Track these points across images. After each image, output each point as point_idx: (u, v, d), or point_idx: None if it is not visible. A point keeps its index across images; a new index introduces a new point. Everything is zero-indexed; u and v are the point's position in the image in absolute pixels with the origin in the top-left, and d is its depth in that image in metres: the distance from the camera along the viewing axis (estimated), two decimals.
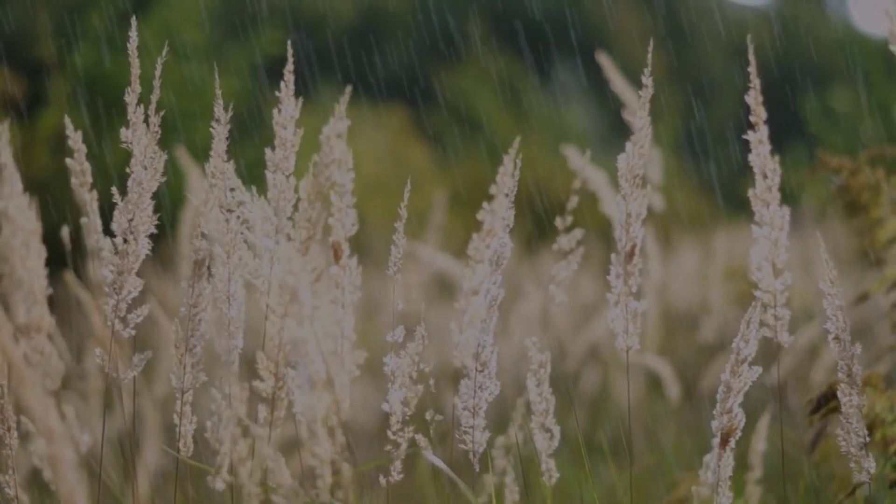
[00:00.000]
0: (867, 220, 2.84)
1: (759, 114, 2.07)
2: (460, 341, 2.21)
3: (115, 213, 2.04)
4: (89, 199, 2.22)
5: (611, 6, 19.72)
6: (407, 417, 2.03)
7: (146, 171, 2.05)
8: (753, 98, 2.07)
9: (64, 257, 2.76)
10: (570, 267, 2.41)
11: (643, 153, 2.05)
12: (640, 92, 2.06)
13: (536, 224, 8.40)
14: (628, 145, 2.06)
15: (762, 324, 2.07)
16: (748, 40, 2.12)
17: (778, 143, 2.21)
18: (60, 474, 1.44)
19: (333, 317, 2.05)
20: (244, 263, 2.05)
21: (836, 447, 2.28)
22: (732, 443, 2.06)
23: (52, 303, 2.51)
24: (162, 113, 2.06)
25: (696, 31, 20.83)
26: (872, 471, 2.05)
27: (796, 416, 3.70)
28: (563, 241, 2.43)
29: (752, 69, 2.06)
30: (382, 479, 2.03)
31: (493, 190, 2.24)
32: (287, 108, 2.08)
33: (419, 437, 2.04)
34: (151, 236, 2.06)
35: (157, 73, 2.05)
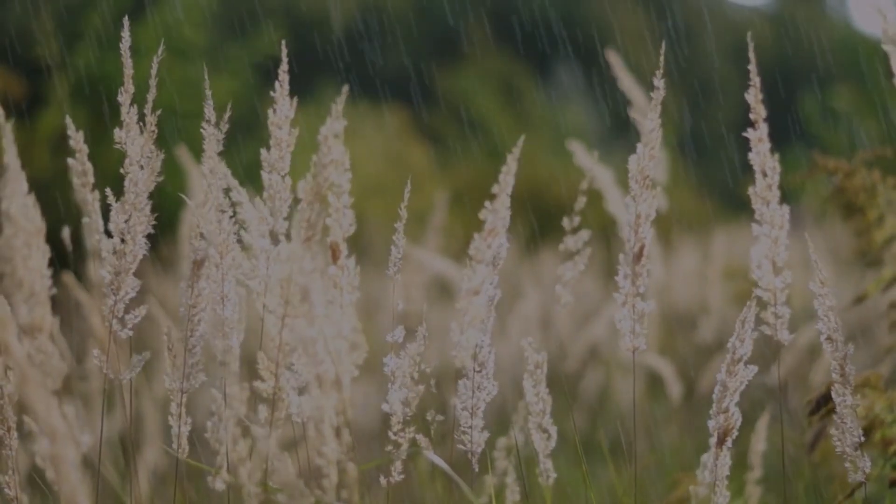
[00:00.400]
0: (864, 221, 2.85)
1: (758, 112, 2.07)
2: (460, 341, 2.21)
3: (112, 213, 2.04)
4: (91, 199, 2.22)
5: (611, 6, 19.72)
6: (408, 418, 2.04)
7: (143, 171, 2.05)
8: (753, 96, 2.07)
9: (64, 258, 2.76)
10: (577, 268, 2.42)
11: (654, 155, 2.06)
12: (651, 94, 2.06)
13: (535, 224, 8.40)
14: (639, 146, 2.06)
15: (762, 322, 2.07)
16: (748, 38, 2.12)
17: (777, 142, 2.21)
18: (63, 474, 1.44)
19: (332, 317, 2.05)
20: (238, 264, 2.05)
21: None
22: (729, 442, 2.06)
23: (53, 303, 2.51)
24: (158, 112, 2.06)
25: (696, 31, 20.83)
26: (868, 470, 2.05)
27: (796, 416, 3.70)
28: (570, 242, 2.43)
29: (752, 67, 2.06)
30: (383, 480, 2.04)
31: (494, 189, 2.24)
32: (282, 108, 2.08)
33: (420, 438, 2.05)
34: (151, 236, 2.06)
35: (154, 72, 2.05)
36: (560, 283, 2.42)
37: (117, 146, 2.06)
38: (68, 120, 2.18)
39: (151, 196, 2.06)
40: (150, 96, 2.05)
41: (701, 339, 4.65)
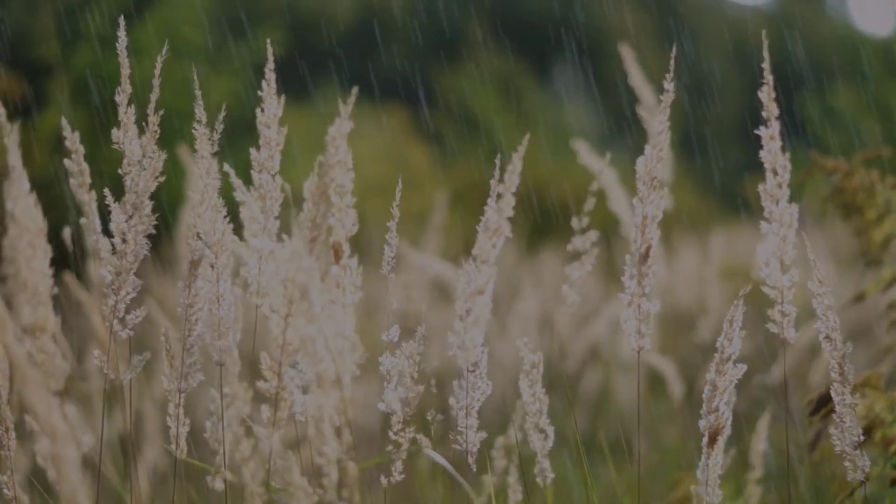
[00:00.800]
0: (862, 221, 2.85)
1: (771, 110, 2.08)
2: (464, 341, 2.21)
3: (113, 213, 2.04)
4: (88, 200, 2.22)
5: (611, 5, 19.72)
6: (408, 417, 2.04)
7: (144, 171, 2.05)
8: (766, 94, 2.08)
9: (64, 258, 2.76)
10: (584, 268, 2.42)
11: (661, 157, 2.06)
12: (660, 97, 2.06)
13: (536, 224, 8.40)
14: (647, 148, 2.07)
15: (769, 320, 2.08)
16: (763, 36, 2.12)
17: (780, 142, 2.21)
18: (63, 474, 1.44)
19: (333, 316, 2.05)
20: (231, 263, 2.06)
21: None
22: (721, 442, 2.07)
23: (55, 303, 2.51)
24: (161, 112, 2.07)
25: (695, 31, 20.83)
26: (867, 470, 2.05)
27: (796, 415, 3.70)
28: (578, 242, 2.43)
29: (765, 65, 2.07)
30: (383, 479, 2.04)
31: (500, 189, 2.24)
32: (270, 108, 2.09)
33: (420, 438, 2.05)
34: (151, 236, 2.07)
35: (157, 72, 2.05)
36: (567, 283, 2.42)
37: (115, 146, 2.06)
38: (64, 121, 2.18)
39: (152, 196, 2.06)
40: (154, 97, 2.06)
41: (700, 339, 4.65)
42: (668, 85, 2.06)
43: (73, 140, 2.18)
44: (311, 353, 1.85)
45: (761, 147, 2.08)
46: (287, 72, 2.11)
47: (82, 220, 2.25)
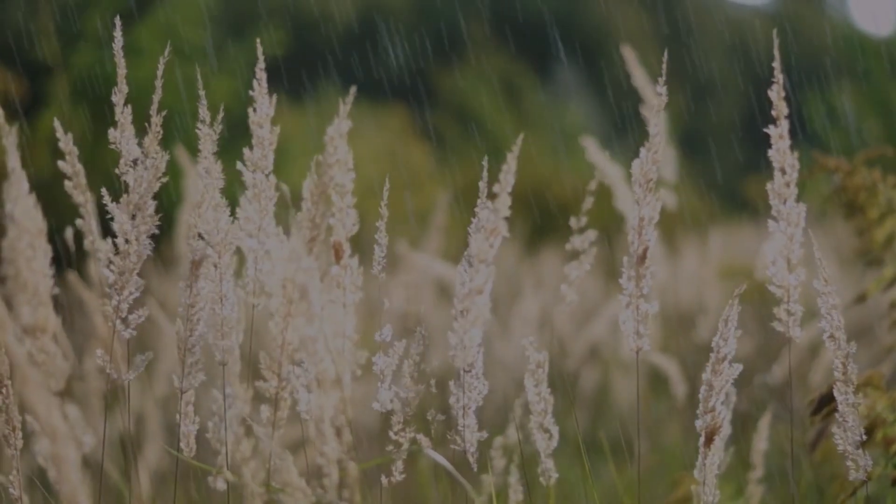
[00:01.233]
0: (864, 220, 2.85)
1: (780, 108, 2.08)
2: (463, 341, 2.21)
3: (116, 213, 2.04)
4: (84, 201, 2.22)
5: (611, 5, 19.72)
6: (408, 417, 2.04)
7: (147, 171, 2.05)
8: (776, 93, 2.08)
9: (65, 258, 2.76)
10: (583, 267, 2.42)
11: (657, 159, 2.06)
12: (653, 100, 2.07)
13: (536, 224, 8.40)
14: (642, 151, 2.07)
15: (774, 318, 2.08)
16: (773, 35, 2.12)
17: None
18: (64, 474, 1.44)
19: (332, 316, 2.05)
20: (234, 263, 2.06)
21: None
22: (718, 441, 2.07)
23: (56, 303, 2.51)
24: (164, 113, 2.07)
25: (696, 31, 20.83)
26: (869, 469, 2.05)
27: (797, 415, 3.70)
28: (577, 242, 2.44)
29: (776, 64, 2.07)
30: (384, 479, 2.04)
31: (496, 188, 2.24)
32: (262, 107, 2.09)
33: (420, 437, 2.05)
34: (153, 236, 2.07)
35: (159, 73, 2.05)
36: (566, 283, 2.42)
37: (112, 146, 2.06)
38: (57, 123, 2.18)
39: (155, 196, 2.06)
40: (156, 97, 2.06)
41: (700, 339, 4.65)
42: (661, 88, 2.07)
43: (66, 141, 2.18)
44: (312, 354, 1.85)
45: (768, 146, 2.08)
46: (288, 72, 2.11)
47: (78, 222, 2.25)
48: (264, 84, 2.09)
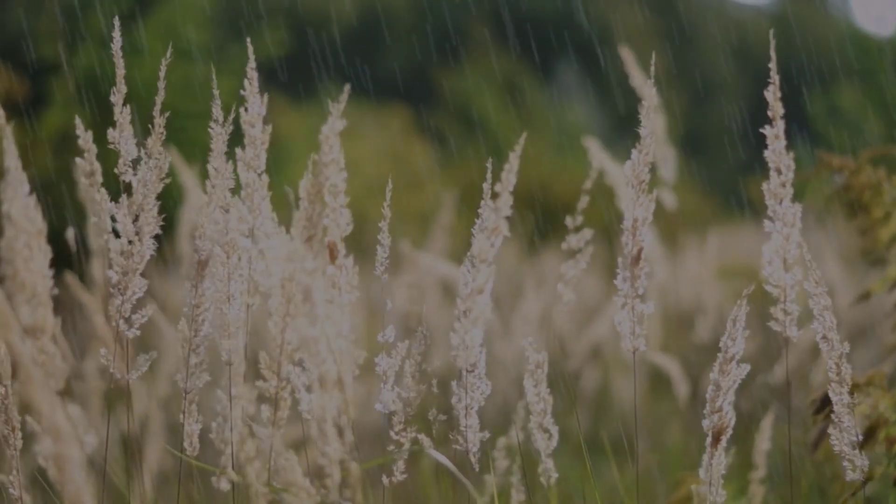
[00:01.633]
0: (869, 219, 2.85)
1: (776, 109, 2.08)
2: (464, 341, 2.21)
3: (120, 214, 2.04)
4: (99, 199, 2.22)
5: (613, 5, 19.72)
6: (410, 417, 2.04)
7: (151, 171, 2.05)
8: (772, 93, 2.08)
9: (65, 258, 2.76)
10: (579, 266, 2.42)
11: (648, 160, 2.06)
12: (644, 101, 2.07)
13: (538, 224, 8.40)
14: (634, 152, 2.07)
15: (771, 318, 2.08)
16: (770, 35, 2.12)
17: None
18: (67, 474, 1.44)
19: (333, 316, 2.05)
20: (242, 264, 2.05)
21: None
22: (724, 441, 2.07)
23: (55, 303, 2.51)
24: (167, 114, 2.07)
25: (698, 30, 20.82)
26: (866, 469, 2.05)
27: (799, 415, 3.70)
28: (573, 241, 2.44)
29: (772, 65, 2.07)
30: (385, 479, 2.04)
31: (497, 188, 2.24)
32: (253, 106, 2.09)
33: (422, 437, 2.05)
34: (155, 236, 2.06)
35: (162, 74, 2.05)
36: (562, 282, 2.43)
37: (112, 146, 2.06)
38: (77, 120, 2.18)
39: (158, 197, 2.06)
40: (159, 98, 2.05)
41: (701, 339, 4.65)
42: (650, 90, 2.07)
43: (85, 139, 2.17)
44: (313, 354, 1.84)
45: (765, 146, 2.08)
46: (289, 71, 2.11)
47: (93, 220, 2.24)
48: (255, 84, 2.09)
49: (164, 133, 2.06)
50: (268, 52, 7.94)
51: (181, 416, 2.07)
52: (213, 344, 2.08)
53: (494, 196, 2.02)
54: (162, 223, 2.05)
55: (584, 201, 2.49)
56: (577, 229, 2.46)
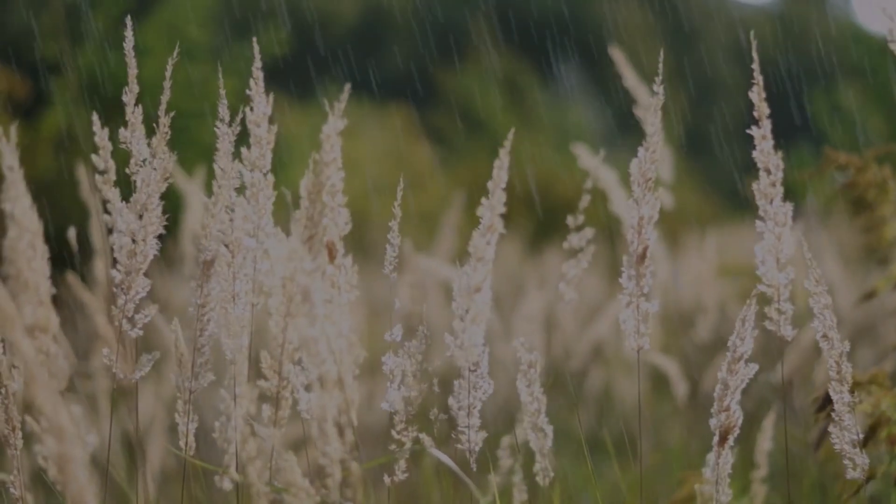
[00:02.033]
0: (873, 217, 2.84)
1: (762, 109, 2.08)
2: (463, 340, 2.21)
3: (124, 213, 2.04)
4: (112, 197, 2.21)
5: (614, 4, 19.71)
6: (411, 416, 2.04)
7: (155, 171, 2.05)
8: (757, 94, 2.08)
9: (64, 258, 2.76)
10: (580, 265, 2.42)
11: (655, 158, 2.06)
12: (651, 99, 2.07)
13: (540, 223, 8.39)
14: (640, 150, 2.07)
15: (766, 318, 2.08)
16: (751, 36, 2.12)
17: (784, 140, 2.21)
18: (70, 473, 1.44)
19: (333, 316, 2.05)
20: (247, 263, 2.06)
21: None
22: (731, 440, 2.07)
23: (55, 303, 2.51)
24: (172, 114, 2.07)
25: (700, 30, 20.82)
26: (867, 468, 2.06)
27: (801, 414, 3.70)
28: (574, 240, 2.44)
29: (755, 66, 2.07)
30: (387, 479, 2.04)
31: (489, 185, 2.24)
32: (259, 106, 2.09)
33: (423, 437, 2.05)
34: (158, 236, 2.07)
35: (168, 74, 2.05)
36: (563, 281, 2.43)
37: (122, 146, 2.06)
38: (95, 116, 2.17)
39: (161, 197, 2.06)
40: (164, 98, 2.05)
41: (702, 338, 4.65)
42: (658, 88, 2.07)
43: (101, 136, 2.16)
44: (314, 354, 1.84)
45: (766, 146, 2.08)
46: (291, 71, 2.11)
47: (105, 218, 2.24)
48: (261, 83, 2.09)
49: (169, 133, 2.06)
50: (270, 52, 7.95)
51: (177, 414, 2.07)
52: (217, 343, 2.08)
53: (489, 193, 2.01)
54: (165, 223, 2.06)
55: (585, 200, 2.49)
56: (579, 228, 2.46)
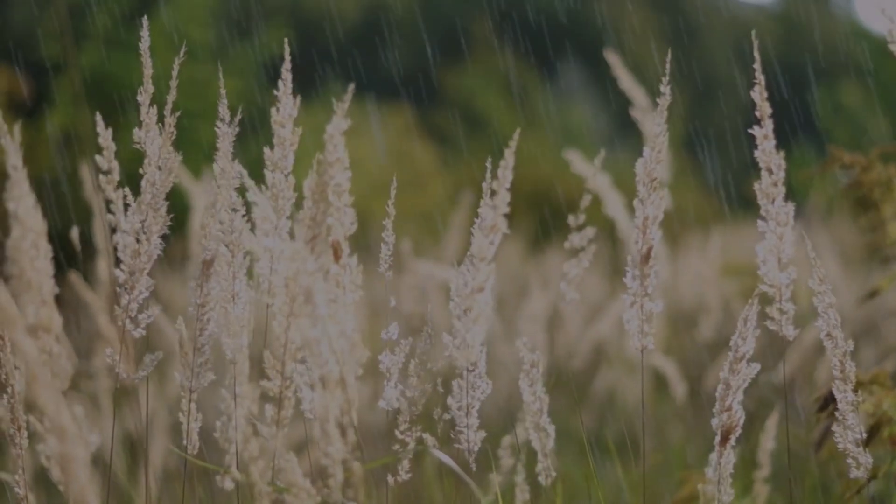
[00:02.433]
0: (878, 216, 2.84)
1: (763, 109, 2.08)
2: (465, 339, 2.21)
3: (128, 213, 2.04)
4: (115, 198, 2.21)
5: (617, 4, 19.70)
6: (414, 417, 2.04)
7: (161, 171, 2.05)
8: (759, 94, 2.08)
9: (66, 258, 2.76)
10: (581, 265, 2.42)
11: (660, 158, 2.06)
12: (657, 99, 2.07)
13: (542, 223, 8.39)
14: (645, 150, 2.07)
15: (768, 318, 2.08)
16: (752, 36, 2.12)
17: (787, 140, 2.21)
18: (72, 473, 1.44)
19: (335, 316, 2.05)
20: (247, 263, 2.06)
21: None
22: (733, 440, 2.07)
23: (58, 303, 2.51)
24: (178, 114, 2.07)
25: (702, 30, 20.81)
26: (870, 467, 2.06)
27: (803, 414, 3.70)
28: (575, 239, 2.44)
29: (756, 65, 2.07)
30: (390, 479, 2.04)
31: (494, 185, 2.24)
32: (285, 107, 2.08)
33: (426, 437, 2.05)
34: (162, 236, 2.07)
35: (175, 73, 2.05)
36: (565, 281, 2.43)
37: (136, 146, 2.06)
38: (98, 117, 2.17)
39: (167, 197, 2.06)
40: (170, 98, 2.05)
41: (704, 337, 4.65)
42: (665, 88, 2.07)
43: (105, 136, 2.17)
44: (316, 354, 1.84)
45: (755, 147, 2.08)
46: (292, 71, 2.11)
47: (108, 217, 2.24)
48: (289, 84, 2.07)
49: (175, 132, 2.06)
50: (271, 51, 7.95)
51: (181, 413, 2.07)
52: (218, 343, 2.08)
53: (493, 194, 2.01)
54: (170, 223, 2.06)
55: (586, 199, 2.49)
56: (580, 228, 2.46)
